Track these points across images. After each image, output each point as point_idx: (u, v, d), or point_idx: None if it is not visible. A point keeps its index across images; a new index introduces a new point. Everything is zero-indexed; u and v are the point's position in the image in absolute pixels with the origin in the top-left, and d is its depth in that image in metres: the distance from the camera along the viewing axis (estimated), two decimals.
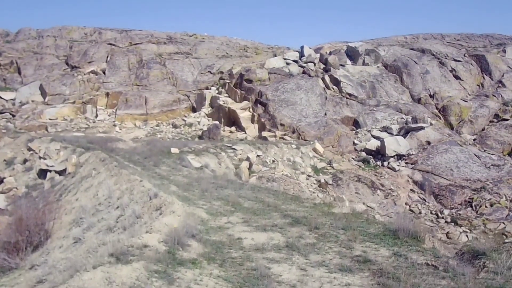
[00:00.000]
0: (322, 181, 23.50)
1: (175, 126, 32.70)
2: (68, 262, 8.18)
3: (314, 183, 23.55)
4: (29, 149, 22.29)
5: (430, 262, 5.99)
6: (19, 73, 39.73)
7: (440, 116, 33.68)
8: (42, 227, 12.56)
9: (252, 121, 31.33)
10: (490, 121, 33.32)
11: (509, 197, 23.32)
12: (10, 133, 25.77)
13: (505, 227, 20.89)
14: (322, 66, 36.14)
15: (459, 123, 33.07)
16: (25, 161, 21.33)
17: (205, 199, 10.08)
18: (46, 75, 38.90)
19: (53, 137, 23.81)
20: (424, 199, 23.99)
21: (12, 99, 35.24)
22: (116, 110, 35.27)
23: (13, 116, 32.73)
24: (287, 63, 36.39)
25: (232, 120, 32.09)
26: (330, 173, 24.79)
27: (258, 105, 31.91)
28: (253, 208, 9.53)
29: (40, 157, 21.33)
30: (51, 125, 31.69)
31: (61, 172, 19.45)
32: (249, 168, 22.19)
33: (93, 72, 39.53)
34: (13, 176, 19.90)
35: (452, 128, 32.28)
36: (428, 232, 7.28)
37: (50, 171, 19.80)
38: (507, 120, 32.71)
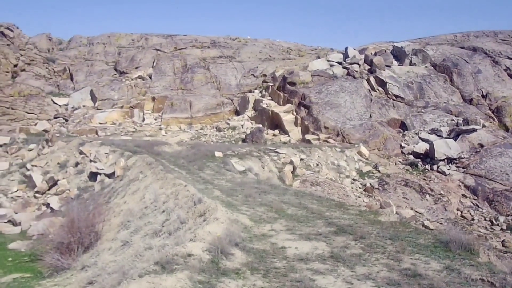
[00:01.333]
0: (368, 185, 22.97)
1: (218, 130, 33.06)
2: (116, 265, 8.41)
3: (360, 187, 23.05)
4: (81, 153, 23.20)
5: (485, 278, 5.63)
6: (71, 79, 41.67)
7: (494, 117, 32.07)
8: (93, 229, 13.01)
9: (296, 124, 31.13)
10: None
11: None
12: (63, 137, 26.96)
13: None
14: (367, 67, 35.38)
15: None
16: (77, 164, 22.20)
17: (248, 205, 10.05)
18: (96, 81, 40.52)
19: (102, 141, 24.69)
20: (477, 205, 22.86)
21: (65, 104, 36.98)
22: (162, 114, 36.16)
23: (66, 120, 34.32)
24: (331, 65, 35.90)
25: (275, 123, 32.03)
26: (376, 177, 24.19)
27: (302, 108, 31.67)
28: (297, 215, 9.38)
29: (90, 160, 22.15)
30: (101, 129, 32.90)
31: (110, 175, 20.09)
32: (293, 172, 22.04)
33: (140, 77, 40.75)
34: (65, 179, 20.77)
35: (507, 130, 30.62)
36: (482, 244, 6.84)
37: (100, 174, 20.50)
38: None
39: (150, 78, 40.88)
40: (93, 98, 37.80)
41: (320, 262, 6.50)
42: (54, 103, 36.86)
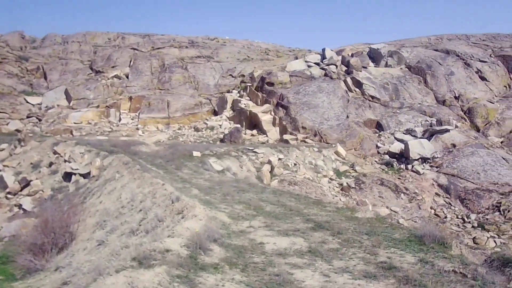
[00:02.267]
0: (345, 184, 23.23)
1: (196, 130, 32.90)
2: (92, 264, 8.27)
3: (337, 187, 23.30)
4: (55, 153, 22.74)
5: (458, 270, 5.79)
6: (45, 78, 40.80)
7: (466, 118, 32.91)
8: (67, 230, 12.76)
9: (274, 124, 31.25)
10: None
11: None
12: (37, 136, 26.35)
13: None
14: (344, 68, 35.81)
15: (485, 125, 32.24)
16: (50, 164, 21.75)
17: (226, 203, 10.05)
18: (71, 80, 39.81)
19: (77, 141, 24.24)
20: (450, 203, 23.42)
21: (38, 104, 36.18)
22: (139, 114, 35.75)
23: (39, 120, 33.57)
24: (309, 66, 36.19)
25: (254, 123, 32.08)
26: (352, 176, 24.49)
27: (280, 108, 31.82)
28: (275, 212, 9.43)
29: (65, 161, 21.73)
30: (76, 129, 32.31)
31: (85, 175, 19.76)
32: (271, 172, 22.12)
33: (116, 76, 40.22)
34: (39, 179, 20.32)
35: (478, 131, 31.48)
36: (455, 238, 7.03)
37: (74, 174, 20.14)
38: None
39: (127, 77, 40.39)
40: (68, 98, 37.10)
41: (298, 256, 6.57)
42: (27, 102, 36.02)
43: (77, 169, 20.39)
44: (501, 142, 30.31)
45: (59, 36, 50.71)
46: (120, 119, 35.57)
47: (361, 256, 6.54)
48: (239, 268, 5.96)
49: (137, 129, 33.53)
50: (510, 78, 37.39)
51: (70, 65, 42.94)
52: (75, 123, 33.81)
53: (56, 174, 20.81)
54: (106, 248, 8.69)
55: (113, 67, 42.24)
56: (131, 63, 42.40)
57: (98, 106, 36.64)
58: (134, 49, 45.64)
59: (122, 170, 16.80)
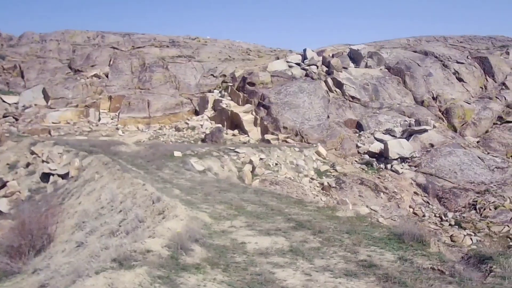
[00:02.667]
0: (325, 184, 23.42)
1: (177, 130, 32.69)
2: (71, 266, 8.15)
3: (317, 186, 23.47)
4: (32, 153, 22.31)
5: (436, 267, 5.91)
6: (22, 77, 39.91)
7: (443, 118, 33.56)
8: (45, 231, 12.53)
9: (255, 124, 31.28)
10: (494, 124, 33.19)
11: None
12: (13, 136, 25.80)
13: (509, 230, 20.73)
14: (325, 69, 36.09)
15: (462, 125, 32.94)
16: (28, 164, 21.35)
17: (208, 203, 10.02)
18: (49, 79, 39.05)
19: (56, 141, 23.84)
20: (428, 202, 23.87)
21: (15, 103, 35.36)
22: (119, 114, 35.32)
23: (16, 120, 32.82)
24: (290, 66, 36.36)
25: (235, 123, 32.06)
26: (333, 176, 24.70)
27: (261, 108, 31.88)
28: (257, 212, 9.45)
29: (43, 161, 21.35)
30: (54, 128, 31.74)
31: (64, 176, 19.46)
32: (252, 171, 22.15)
33: (96, 75, 39.64)
34: (16, 180, 19.92)
35: (455, 131, 32.14)
36: (433, 236, 7.18)
37: (53, 174, 19.82)
38: (510, 122, 32.58)
39: (107, 76, 39.84)
40: (46, 97, 36.38)
41: (280, 256, 6.60)
42: (4, 101, 35.16)
43: (55, 169, 20.07)
44: (477, 142, 31.03)
45: (36, 34, 49.65)
46: (99, 119, 35.09)
47: (342, 255, 6.62)
48: (220, 268, 5.96)
49: (117, 129, 33.12)
50: (486, 79, 38.27)
51: (48, 64, 42.08)
52: (53, 123, 33.20)
53: (34, 175, 20.45)
54: (86, 250, 8.57)
55: (92, 66, 41.60)
56: (111, 62, 41.84)
57: (77, 106, 36.05)
58: (114, 48, 45.04)
59: (102, 171, 16.60)
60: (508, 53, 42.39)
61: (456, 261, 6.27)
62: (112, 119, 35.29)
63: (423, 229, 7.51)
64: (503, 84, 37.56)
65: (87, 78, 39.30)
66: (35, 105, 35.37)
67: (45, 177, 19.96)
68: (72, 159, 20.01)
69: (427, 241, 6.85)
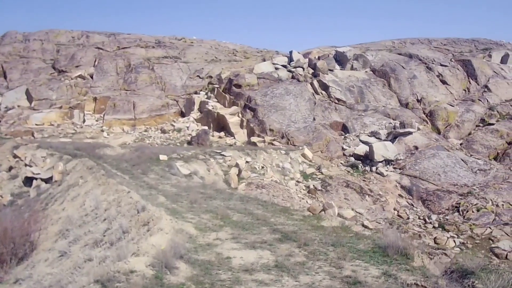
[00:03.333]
0: (311, 187, 23.53)
1: (163, 132, 32.50)
2: (54, 278, 8.06)
3: (303, 189, 23.56)
4: (15, 156, 21.97)
5: (419, 283, 5.98)
6: (5, 77, 39.19)
7: (428, 120, 33.96)
8: (28, 239, 12.34)
9: (241, 127, 31.28)
10: (476, 126, 33.68)
11: (495, 202, 23.55)
12: None
13: (491, 232, 21.09)
14: (311, 71, 36.24)
15: (446, 127, 33.38)
16: (10, 168, 21.02)
17: (193, 212, 9.97)
18: (33, 80, 38.47)
19: (39, 144, 23.50)
20: (412, 204, 24.14)
21: None
22: (104, 115, 34.98)
23: None
24: (276, 68, 36.42)
25: (221, 125, 32.01)
26: (319, 178, 24.82)
27: (247, 110, 31.88)
28: (242, 222, 9.43)
29: (26, 165, 21.04)
30: (38, 130, 31.30)
31: (47, 180, 19.21)
32: (238, 175, 22.13)
33: (80, 76, 39.19)
34: None
35: (439, 133, 32.56)
36: (417, 248, 7.27)
37: (36, 179, 19.55)
38: (492, 124, 33.10)
39: (92, 77, 39.40)
40: (29, 98, 35.85)
41: (265, 272, 6.58)
42: None
43: (38, 173, 19.81)
44: (461, 144, 31.48)
45: (20, 33, 48.76)
46: (84, 121, 34.70)
47: (327, 270, 6.64)
48: (205, 287, 5.92)
49: (102, 131, 32.80)
50: (469, 82, 38.83)
51: (32, 64, 41.44)
52: (36, 124, 32.74)
53: (16, 179, 20.15)
54: (69, 260, 8.47)
55: (77, 66, 41.09)
56: (96, 62, 41.41)
57: (61, 107, 35.61)
58: (99, 48, 44.58)
59: (86, 175, 16.43)
60: (490, 56, 43.08)
61: (439, 276, 6.35)
62: (97, 120, 34.94)
63: (406, 241, 7.56)
64: (486, 86, 38.14)
65: (72, 79, 38.83)
66: (18, 106, 34.84)
67: (28, 181, 19.69)
68: (56, 163, 19.77)
69: (411, 254, 6.93)
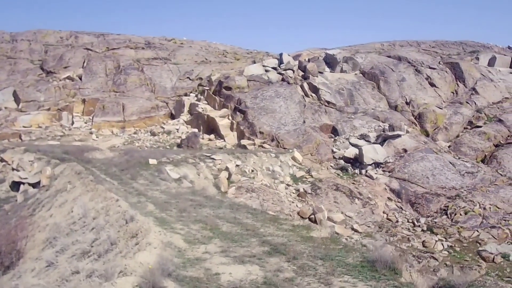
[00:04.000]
0: (301, 190, 23.56)
1: (153, 134, 32.32)
2: None
3: (293, 193, 23.59)
4: (2, 160, 21.75)
5: None
6: None
7: (416, 123, 34.21)
8: (14, 247, 12.20)
9: (231, 129, 31.23)
10: (464, 128, 34.05)
11: (482, 205, 23.80)
12: None
13: (479, 235, 21.30)
14: (301, 73, 36.32)
15: (434, 130, 33.67)
16: None
17: (183, 222, 9.90)
18: (20, 81, 38.00)
19: (27, 147, 23.25)
20: (401, 208, 24.30)
21: None
22: (92, 117, 34.68)
23: None
24: (266, 70, 36.41)
25: (211, 128, 31.93)
26: (309, 181, 24.86)
27: (237, 112, 31.83)
28: (231, 233, 9.38)
29: (13, 169, 20.83)
30: (25, 133, 30.93)
31: (35, 185, 19.04)
32: (228, 178, 22.09)
33: (69, 77, 38.84)
34: None
35: (427, 135, 32.83)
36: (405, 262, 7.29)
37: (23, 183, 19.37)
38: (480, 127, 33.47)
39: (80, 79, 39.05)
40: (17, 99, 35.42)
41: None
42: None
43: (26, 178, 19.64)
44: (449, 147, 31.78)
45: (7, 33, 48.18)
46: (72, 123, 34.38)
47: (315, 287, 6.63)
48: None
49: (91, 133, 32.51)
50: (457, 84, 39.26)
51: (19, 65, 40.94)
52: (24, 126, 32.37)
53: (3, 184, 19.96)
54: (56, 271, 8.37)
55: (65, 67, 40.68)
56: (85, 64, 41.04)
57: (49, 109, 35.25)
58: (88, 49, 44.18)
59: (75, 181, 16.28)
60: (478, 59, 43.59)
61: None
62: (85, 123, 34.63)
63: (395, 255, 7.58)
64: (473, 89, 38.60)
65: (60, 80, 38.47)
66: (5, 108, 34.40)
67: (15, 185, 19.52)
68: (44, 167, 19.59)
69: (399, 269, 6.94)
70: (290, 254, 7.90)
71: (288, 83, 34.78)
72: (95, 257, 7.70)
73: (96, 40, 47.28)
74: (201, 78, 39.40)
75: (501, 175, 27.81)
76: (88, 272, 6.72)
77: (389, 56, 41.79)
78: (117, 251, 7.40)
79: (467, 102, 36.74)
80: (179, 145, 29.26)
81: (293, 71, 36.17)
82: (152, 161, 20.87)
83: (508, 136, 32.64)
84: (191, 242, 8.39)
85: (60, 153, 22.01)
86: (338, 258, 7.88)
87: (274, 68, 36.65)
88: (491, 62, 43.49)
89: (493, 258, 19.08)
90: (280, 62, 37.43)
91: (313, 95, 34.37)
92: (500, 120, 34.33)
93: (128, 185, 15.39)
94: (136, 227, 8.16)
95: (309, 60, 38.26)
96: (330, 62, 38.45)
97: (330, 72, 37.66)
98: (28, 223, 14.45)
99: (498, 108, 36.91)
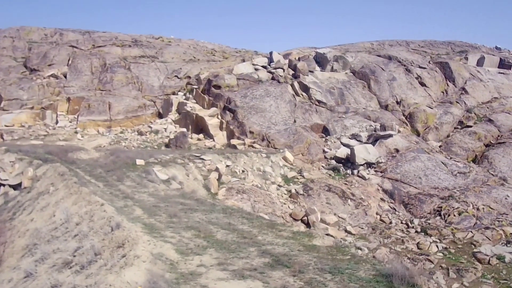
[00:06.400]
0: (293, 191, 23.03)
1: (140, 134, 31.49)
2: None
3: (285, 193, 23.05)
4: None
5: None
6: None
7: (407, 123, 33.96)
8: None
9: (221, 129, 30.56)
10: (455, 128, 33.92)
11: (475, 205, 23.55)
12: None
13: (473, 236, 21.01)
14: (291, 72, 35.78)
15: (425, 130, 33.45)
16: None
17: (173, 228, 9.20)
18: (2, 79, 36.91)
19: (8, 147, 22.30)
20: (394, 208, 23.92)
21: None
22: (78, 116, 33.72)
23: None
24: (256, 69, 35.79)
25: (200, 127, 31.21)
26: (300, 182, 24.34)
27: (227, 112, 31.17)
28: (227, 241, 8.67)
29: None
30: (7, 132, 29.89)
31: (16, 187, 18.23)
32: (218, 179, 21.46)
33: (53, 75, 37.79)
34: None
35: (418, 135, 32.59)
36: (422, 275, 6.71)
37: (4, 185, 18.54)
38: (470, 127, 33.35)
39: (65, 77, 38.04)
40: None
41: None
42: None
43: (6, 179, 18.79)
44: (440, 146, 31.55)
45: None
46: (57, 122, 33.38)
47: None
48: None
49: (76, 132, 31.57)
50: (447, 84, 39.14)
51: (2, 63, 39.78)
52: (6, 126, 31.30)
53: None
54: (34, 283, 7.68)
55: (49, 65, 39.63)
56: (70, 61, 40.03)
57: (32, 108, 34.21)
58: (73, 46, 43.13)
59: (57, 183, 15.52)
60: (467, 59, 43.63)
61: None
62: (70, 122, 33.66)
63: (413, 269, 6.97)
64: (463, 89, 38.55)
65: (44, 78, 37.43)
66: None
67: None
68: (25, 168, 18.75)
69: (419, 285, 6.31)
70: (294, 266, 7.20)
71: (278, 82, 34.21)
72: (77, 268, 7.03)
73: (82, 37, 46.21)
74: (189, 77, 38.67)
75: (492, 175, 27.66)
76: (69, 287, 6.06)
77: (379, 56, 41.50)
78: (101, 263, 6.73)
79: (457, 102, 36.62)
80: (167, 145, 28.52)
81: (283, 70, 35.62)
82: (140, 162, 20.13)
83: (498, 136, 32.60)
84: (183, 253, 7.65)
85: (43, 153, 21.16)
86: (348, 271, 7.22)
87: (264, 67, 36.07)
88: (480, 62, 43.57)
89: (489, 260, 18.78)
90: (270, 60, 36.87)
91: (304, 94, 33.86)
92: (490, 120, 34.31)
93: (114, 187, 14.65)
94: (122, 235, 7.49)
95: (299, 59, 37.76)
96: (320, 61, 38.00)
97: (321, 71, 37.19)
98: (8, 228, 13.70)
99: (487, 108, 36.90)
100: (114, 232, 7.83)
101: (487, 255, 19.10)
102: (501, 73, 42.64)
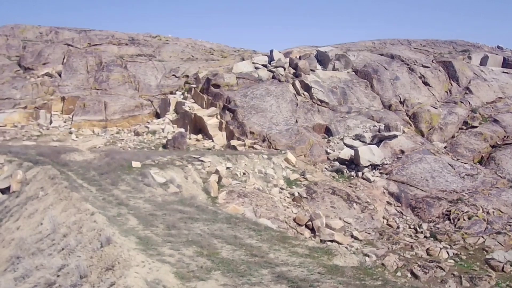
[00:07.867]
0: (296, 194, 22.08)
1: (137, 134, 30.49)
2: None
3: (288, 197, 22.11)
4: None
5: None
6: None
7: (411, 123, 33.05)
8: None
9: (220, 129, 29.59)
10: (460, 128, 33.02)
11: (485, 209, 22.65)
12: None
13: (484, 242, 20.13)
14: (292, 71, 34.79)
15: (429, 130, 32.54)
16: None
17: (172, 244, 8.13)
18: None
19: None
20: (401, 212, 22.98)
21: None
22: (72, 116, 32.73)
23: None
24: (256, 68, 34.82)
25: (199, 128, 30.24)
26: (303, 185, 23.39)
27: (226, 111, 30.20)
28: (235, 261, 7.48)
29: None
30: None
31: (4, 190, 17.26)
32: (218, 182, 20.51)
33: (47, 74, 36.76)
34: None
35: (422, 136, 31.69)
36: None
37: None
38: (476, 127, 32.47)
39: (60, 75, 37.01)
40: None
41: None
42: None
43: None
44: (445, 147, 30.64)
45: None
46: (51, 122, 32.40)
47: None
48: None
49: (70, 133, 30.58)
50: (451, 83, 38.25)
51: None
52: None
53: None
54: None
55: (44, 64, 38.56)
56: (65, 60, 38.99)
57: (25, 107, 33.22)
58: (69, 45, 42.05)
59: (47, 187, 14.54)
60: (470, 58, 42.77)
61: None
62: (65, 122, 32.67)
63: None
64: (467, 88, 37.66)
65: (38, 77, 36.41)
66: None
67: None
68: (15, 171, 17.77)
69: None
70: None
71: (279, 81, 33.25)
72: None
73: (78, 35, 45.16)
74: (187, 76, 37.70)
75: (500, 177, 26.75)
76: None
77: (381, 54, 40.60)
78: None
79: (461, 102, 35.72)
80: (164, 146, 27.55)
81: (284, 69, 34.66)
82: (136, 164, 19.14)
83: (505, 136, 31.70)
84: (184, 277, 6.49)
85: (34, 154, 20.19)
86: None
87: (264, 66, 35.09)
88: (483, 62, 42.70)
89: (503, 267, 17.89)
90: (270, 59, 35.91)
91: (305, 93, 32.91)
92: (495, 120, 33.42)
93: (108, 192, 13.65)
94: (113, 254, 6.51)
95: (300, 58, 36.79)
96: (322, 59, 37.09)
97: (322, 70, 36.28)
98: None
99: (492, 108, 36.01)
100: (103, 248, 6.86)
101: (501, 262, 18.21)
102: (505, 72, 41.76)
